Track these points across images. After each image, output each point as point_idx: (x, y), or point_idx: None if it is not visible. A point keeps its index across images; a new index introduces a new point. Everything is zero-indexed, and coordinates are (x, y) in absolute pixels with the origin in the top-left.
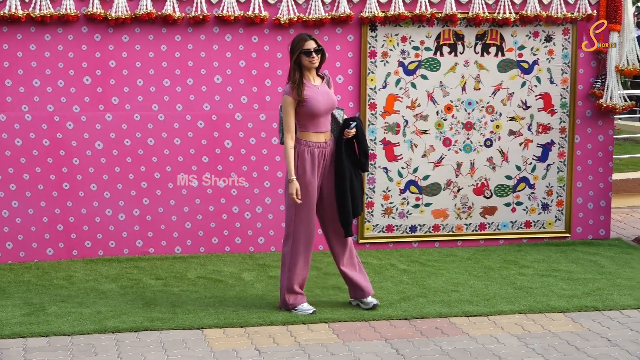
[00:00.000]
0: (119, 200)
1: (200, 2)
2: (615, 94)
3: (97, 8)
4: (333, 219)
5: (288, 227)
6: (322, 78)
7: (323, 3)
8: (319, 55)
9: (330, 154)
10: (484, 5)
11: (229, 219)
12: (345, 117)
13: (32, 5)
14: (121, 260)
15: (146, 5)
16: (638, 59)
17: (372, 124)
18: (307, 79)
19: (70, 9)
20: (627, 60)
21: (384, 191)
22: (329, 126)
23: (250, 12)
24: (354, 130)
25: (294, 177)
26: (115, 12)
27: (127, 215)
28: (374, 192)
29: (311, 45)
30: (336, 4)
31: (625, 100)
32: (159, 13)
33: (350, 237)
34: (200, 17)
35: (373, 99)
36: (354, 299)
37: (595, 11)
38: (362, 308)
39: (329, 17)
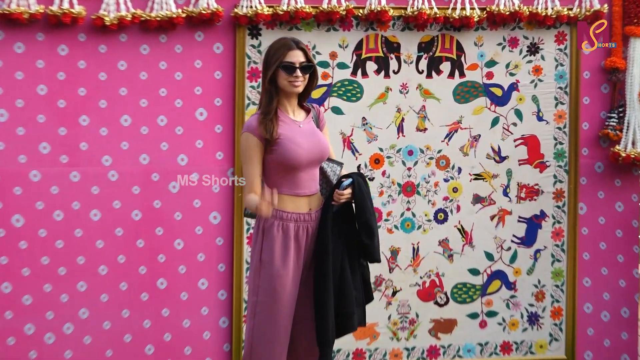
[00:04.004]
0: None
1: None
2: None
3: None
4: (305, 327)
5: (247, 342)
6: (308, 112)
7: None
8: (307, 75)
9: (315, 232)
10: None
11: None
12: (342, 172)
13: None
14: None
15: None
16: None
17: None
18: (284, 110)
19: None
20: None
21: None
22: (317, 187)
23: (55, 8)
24: (347, 192)
25: (257, 201)
26: None
27: None
28: None
29: (297, 56)
30: None
31: None
32: None
33: None
34: None
35: None
36: None
37: (605, 5)
38: None
39: (183, 16)
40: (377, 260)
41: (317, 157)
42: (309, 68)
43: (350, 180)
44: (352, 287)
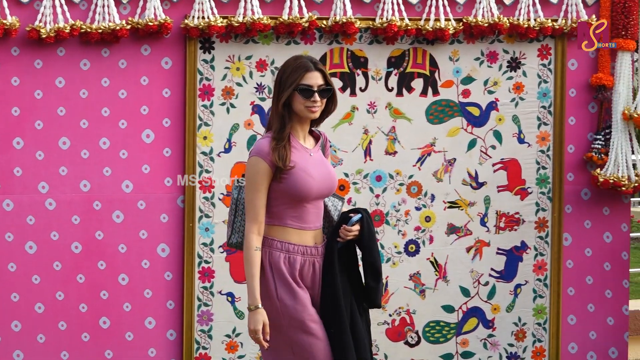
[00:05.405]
0: None
1: None
2: (623, 159)
3: None
4: None
5: None
6: (316, 139)
7: (118, 2)
8: (324, 99)
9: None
10: (402, 6)
11: None
12: (342, 209)
13: None
14: None
15: None
16: None
17: (208, 217)
18: (296, 135)
19: None
20: None
21: (227, 336)
22: (321, 221)
23: None
24: (356, 228)
25: (258, 303)
26: None
27: None
28: (209, 337)
29: (315, 79)
30: (141, 2)
31: None
32: None
33: None
34: None
35: (208, 171)
36: None
37: (594, 16)
38: None
39: (128, 27)
40: (379, 305)
41: (326, 189)
42: (327, 92)
43: (359, 216)
44: (364, 332)
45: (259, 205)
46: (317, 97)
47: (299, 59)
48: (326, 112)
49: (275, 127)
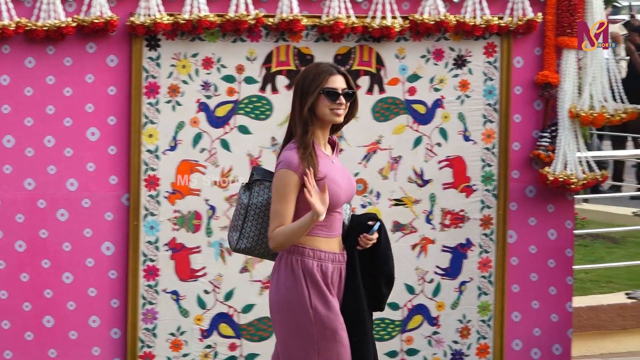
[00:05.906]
0: None
1: None
2: (571, 157)
3: None
4: None
5: None
6: (332, 145)
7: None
8: (349, 102)
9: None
10: (348, 4)
11: None
12: (351, 213)
13: None
14: None
15: None
16: (614, 97)
17: (153, 215)
18: (317, 142)
19: None
20: (592, 98)
21: (172, 334)
22: (342, 227)
23: None
24: (375, 236)
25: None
26: None
27: None
28: (154, 335)
29: (339, 82)
30: (86, 0)
31: (591, 169)
32: None
33: None
34: None
35: (153, 169)
36: None
37: (540, 14)
38: None
39: (73, 25)
40: (383, 309)
41: (350, 197)
42: (351, 95)
43: (378, 224)
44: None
45: (288, 215)
46: (342, 99)
47: (320, 64)
48: (349, 116)
49: (299, 133)
